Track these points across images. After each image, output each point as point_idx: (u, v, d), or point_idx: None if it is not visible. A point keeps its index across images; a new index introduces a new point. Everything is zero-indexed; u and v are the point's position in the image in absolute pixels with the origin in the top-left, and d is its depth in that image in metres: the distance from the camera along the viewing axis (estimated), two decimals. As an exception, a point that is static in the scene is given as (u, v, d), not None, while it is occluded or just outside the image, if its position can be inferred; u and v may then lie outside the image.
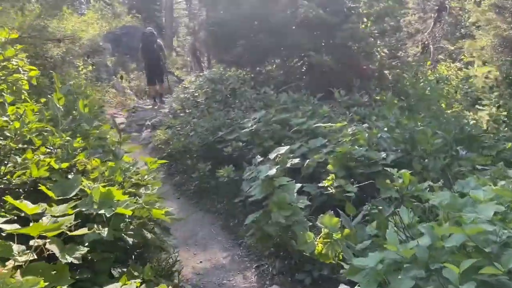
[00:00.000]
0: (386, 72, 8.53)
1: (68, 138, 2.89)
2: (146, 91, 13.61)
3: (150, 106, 10.70)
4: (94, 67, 9.58)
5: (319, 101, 6.38)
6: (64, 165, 2.54)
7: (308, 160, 3.91)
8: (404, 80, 8.55)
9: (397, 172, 2.91)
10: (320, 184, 3.80)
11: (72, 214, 2.12)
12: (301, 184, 3.49)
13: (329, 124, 4.60)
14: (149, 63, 10.24)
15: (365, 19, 7.62)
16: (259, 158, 4.23)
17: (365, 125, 4.92)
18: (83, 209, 2.27)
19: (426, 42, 13.52)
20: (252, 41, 8.11)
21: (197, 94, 7.95)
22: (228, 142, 5.29)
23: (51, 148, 2.77)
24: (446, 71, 10.75)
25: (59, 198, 2.34)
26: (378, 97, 8.29)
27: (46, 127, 2.98)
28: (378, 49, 8.01)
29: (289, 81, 8.02)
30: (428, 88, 4.94)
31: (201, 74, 10.25)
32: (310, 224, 3.23)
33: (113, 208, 2.27)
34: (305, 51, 7.76)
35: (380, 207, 3.02)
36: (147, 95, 13.34)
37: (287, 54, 8.68)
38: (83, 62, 8.70)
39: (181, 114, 7.75)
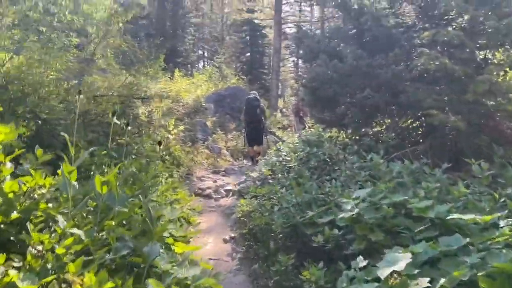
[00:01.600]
0: (536, 136, 6.52)
1: (72, 230, 1.98)
2: (243, 151, 13.19)
3: (237, 169, 10.07)
4: (188, 127, 9.31)
5: (446, 174, 4.77)
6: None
7: (442, 280, 2.43)
8: None
9: None
10: (466, 325, 2.28)
11: None
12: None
13: (472, 216, 3.04)
14: (251, 126, 10.73)
15: (507, 69, 5.92)
16: (361, 261, 2.90)
17: (526, 217, 3.23)
18: None
19: None
20: (357, 98, 6.91)
21: (289, 158, 6.88)
22: (319, 227, 3.99)
23: (36, 250, 1.85)
24: None
25: None
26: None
27: (53, 213, 2.13)
28: (525, 107, 6.12)
29: (403, 147, 6.52)
30: None
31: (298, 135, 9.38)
32: None
33: None
34: (423, 109, 6.29)
35: None
36: (244, 156, 12.90)
37: (400, 113, 7.26)
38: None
39: (270, 181, 6.71)
